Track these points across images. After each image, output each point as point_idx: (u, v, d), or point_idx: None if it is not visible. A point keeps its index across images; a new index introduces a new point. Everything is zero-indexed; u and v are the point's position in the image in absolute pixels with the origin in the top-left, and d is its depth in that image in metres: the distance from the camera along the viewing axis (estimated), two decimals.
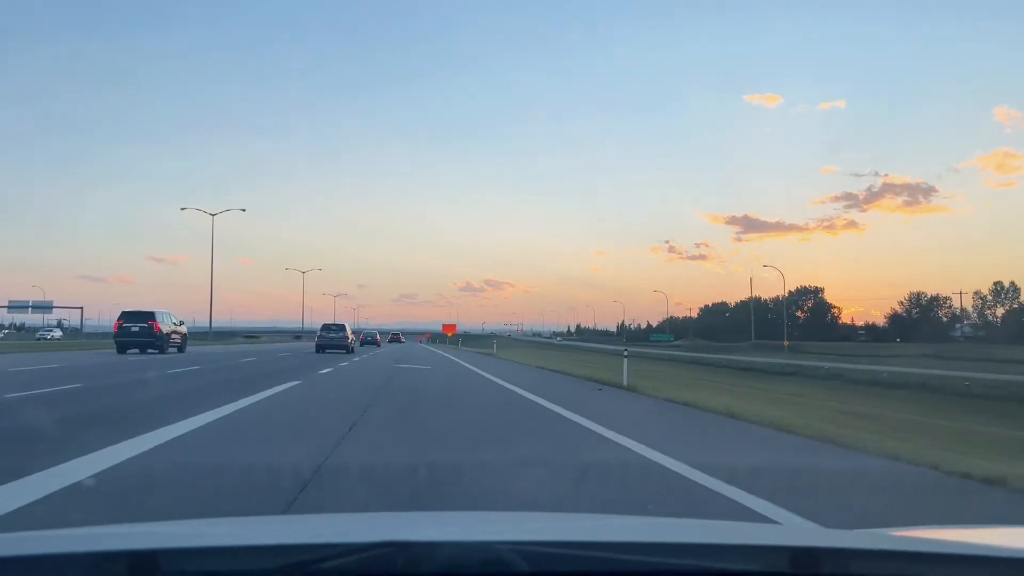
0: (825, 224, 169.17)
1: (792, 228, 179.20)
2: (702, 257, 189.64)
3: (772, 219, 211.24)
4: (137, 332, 31.63)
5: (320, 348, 37.83)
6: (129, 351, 31.46)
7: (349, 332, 39.92)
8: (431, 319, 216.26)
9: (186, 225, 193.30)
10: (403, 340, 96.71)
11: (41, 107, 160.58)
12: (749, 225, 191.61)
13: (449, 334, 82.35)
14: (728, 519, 3.93)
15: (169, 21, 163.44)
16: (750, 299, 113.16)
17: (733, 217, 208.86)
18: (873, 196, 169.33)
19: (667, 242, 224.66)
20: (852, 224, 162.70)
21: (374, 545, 1.37)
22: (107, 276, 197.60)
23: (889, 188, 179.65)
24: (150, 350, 31.84)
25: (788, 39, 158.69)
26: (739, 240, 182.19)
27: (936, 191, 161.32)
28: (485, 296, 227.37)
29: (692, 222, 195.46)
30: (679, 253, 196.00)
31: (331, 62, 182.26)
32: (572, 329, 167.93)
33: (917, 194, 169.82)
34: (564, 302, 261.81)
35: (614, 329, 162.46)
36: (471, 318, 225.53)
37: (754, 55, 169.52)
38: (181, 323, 36.38)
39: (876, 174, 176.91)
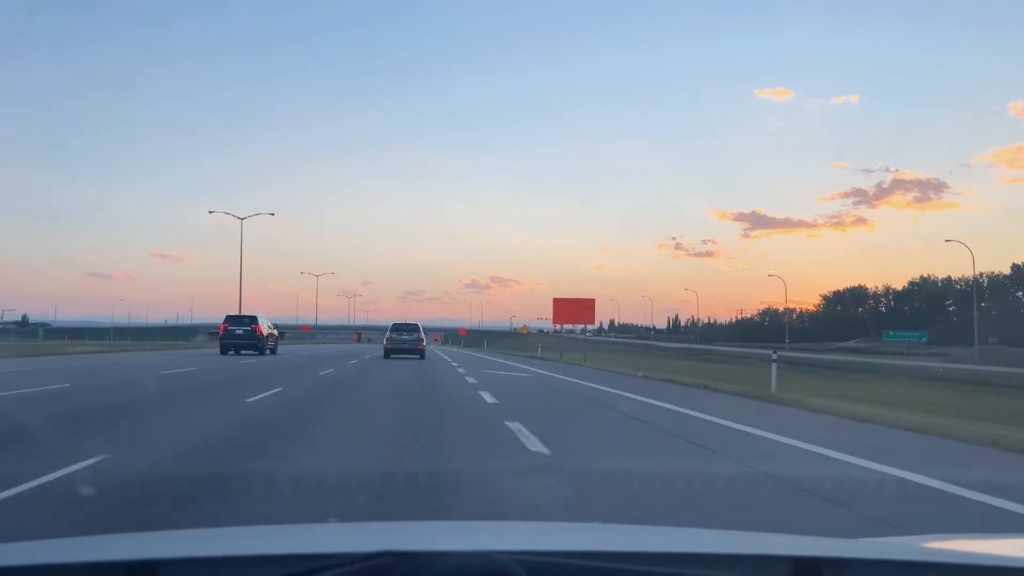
0: (834, 220, 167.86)
1: (801, 224, 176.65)
2: (709, 254, 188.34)
3: (781, 215, 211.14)
4: (241, 335, 34.26)
5: (388, 353, 32.64)
6: (228, 352, 33.79)
7: (423, 333, 34.15)
8: (437, 316, 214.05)
9: (191, 222, 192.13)
10: None
11: (46, 107, 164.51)
12: (757, 221, 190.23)
13: (562, 323, 46.86)
14: None
15: (169, 21, 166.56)
16: None
17: (741, 213, 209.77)
18: (883, 192, 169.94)
19: (674, 239, 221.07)
20: (861, 220, 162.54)
21: (373, 555, 1.40)
22: (113, 273, 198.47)
23: (900, 184, 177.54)
24: (244, 351, 33.94)
25: (801, 33, 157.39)
26: (747, 237, 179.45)
27: (948, 187, 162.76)
28: (491, 293, 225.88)
29: (700, 218, 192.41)
30: (686, 250, 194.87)
31: (333, 59, 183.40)
32: (604, 326, 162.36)
33: (928, 190, 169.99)
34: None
35: (653, 325, 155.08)
36: (476, 315, 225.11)
37: (766, 49, 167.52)
38: (274, 326, 38.90)
39: (887, 170, 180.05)
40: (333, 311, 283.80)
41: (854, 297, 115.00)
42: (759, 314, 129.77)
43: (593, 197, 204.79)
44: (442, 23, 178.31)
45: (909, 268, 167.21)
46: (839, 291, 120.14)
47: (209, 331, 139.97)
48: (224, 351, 33.90)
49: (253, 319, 35.22)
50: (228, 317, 35.25)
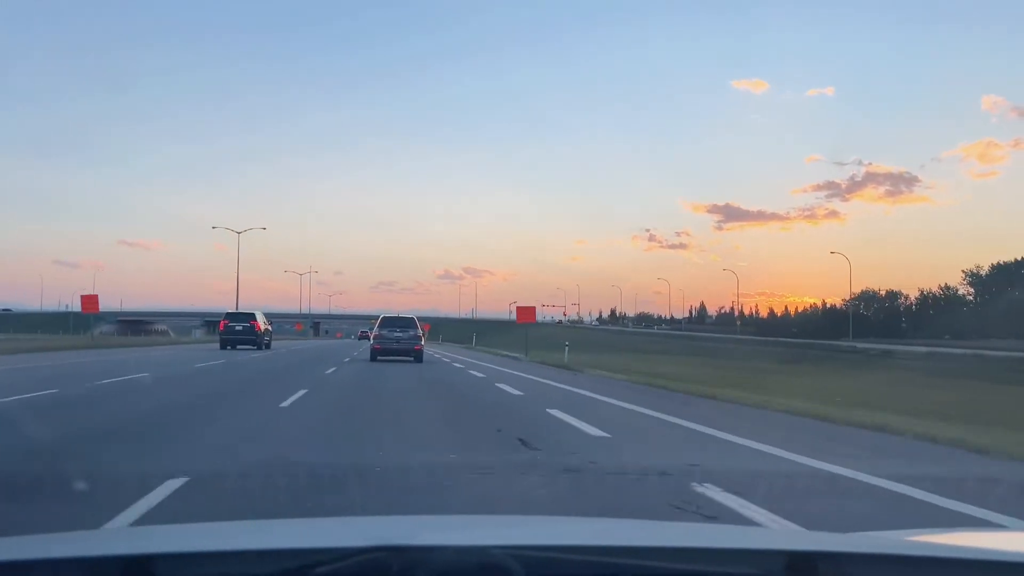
0: (807, 213, 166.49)
1: (773, 217, 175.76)
2: (682, 246, 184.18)
3: (754, 208, 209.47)
4: (240, 331, 35.40)
5: (376, 355, 26.04)
6: (227, 347, 34.83)
7: (420, 330, 27.30)
8: (410, 307, 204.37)
9: (158, 209, 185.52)
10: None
11: (18, 92, 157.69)
12: (730, 214, 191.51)
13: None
14: None
15: (148, 11, 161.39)
16: None
17: (715, 205, 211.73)
18: (856, 185, 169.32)
19: (648, 231, 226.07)
20: (833, 214, 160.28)
21: (368, 549, 1.40)
22: (80, 261, 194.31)
23: (872, 177, 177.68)
24: (241, 346, 35.01)
25: (778, 24, 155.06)
26: (720, 229, 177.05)
27: (919, 181, 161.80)
28: (464, 284, 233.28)
29: (674, 210, 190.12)
30: (659, 242, 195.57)
31: (308, 51, 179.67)
32: (603, 316, 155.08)
33: (900, 184, 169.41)
34: (545, 290, 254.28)
35: (671, 315, 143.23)
36: (451, 306, 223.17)
37: (742, 40, 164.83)
38: (269, 322, 40.31)
39: (860, 163, 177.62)
40: (282, 296, 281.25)
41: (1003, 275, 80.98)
42: (853, 300, 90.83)
43: (568, 188, 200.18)
44: (418, 15, 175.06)
45: (892, 263, 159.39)
46: (1001, 264, 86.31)
47: (118, 319, 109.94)
48: (223, 346, 34.81)
49: (251, 316, 36.86)
50: (228, 314, 37.10)
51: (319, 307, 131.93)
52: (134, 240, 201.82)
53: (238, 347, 34.57)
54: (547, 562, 1.43)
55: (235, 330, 34.96)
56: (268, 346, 37.15)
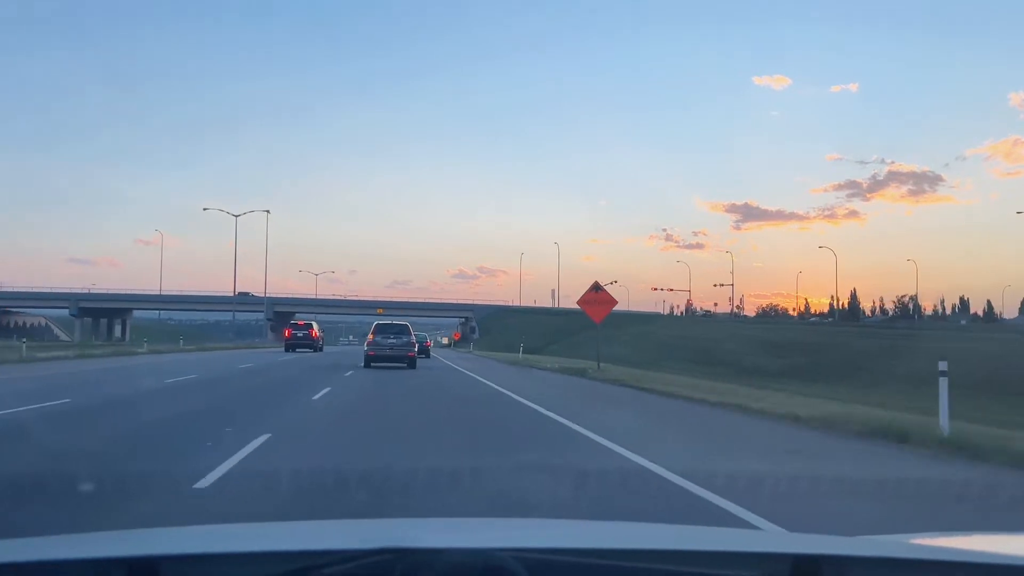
0: (826, 213, 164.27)
1: (792, 217, 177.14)
2: (699, 246, 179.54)
3: (773, 207, 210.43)
4: (301, 337, 46.69)
5: (371, 361, 26.32)
6: (290, 351, 45.78)
7: (413, 336, 27.69)
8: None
9: (176, 208, 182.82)
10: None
11: (31, 91, 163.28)
12: (749, 213, 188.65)
13: None
14: None
15: (163, 17, 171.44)
16: None
17: (733, 205, 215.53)
18: (877, 185, 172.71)
19: (664, 230, 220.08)
20: (854, 213, 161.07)
21: (373, 552, 1.45)
22: (95, 258, 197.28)
23: (894, 176, 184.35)
24: (300, 349, 45.84)
25: (802, 17, 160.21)
26: (738, 228, 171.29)
27: (942, 180, 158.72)
28: (479, 283, 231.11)
29: (691, 210, 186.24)
30: (676, 242, 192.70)
31: (327, 53, 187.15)
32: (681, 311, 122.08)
33: (923, 183, 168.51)
34: (564, 289, 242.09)
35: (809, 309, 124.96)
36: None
37: (766, 35, 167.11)
38: (321, 329, 52.03)
39: (882, 161, 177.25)
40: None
41: None
42: None
43: (583, 188, 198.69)
44: (430, 16, 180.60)
45: (906, 265, 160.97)
46: None
47: None
48: (287, 349, 45.25)
49: (309, 326, 47.84)
50: (292, 324, 48.60)
51: (300, 291, 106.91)
52: (150, 238, 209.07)
53: (297, 350, 45.07)
54: (552, 565, 1.47)
55: (297, 336, 46.32)
56: (321, 349, 47.79)
